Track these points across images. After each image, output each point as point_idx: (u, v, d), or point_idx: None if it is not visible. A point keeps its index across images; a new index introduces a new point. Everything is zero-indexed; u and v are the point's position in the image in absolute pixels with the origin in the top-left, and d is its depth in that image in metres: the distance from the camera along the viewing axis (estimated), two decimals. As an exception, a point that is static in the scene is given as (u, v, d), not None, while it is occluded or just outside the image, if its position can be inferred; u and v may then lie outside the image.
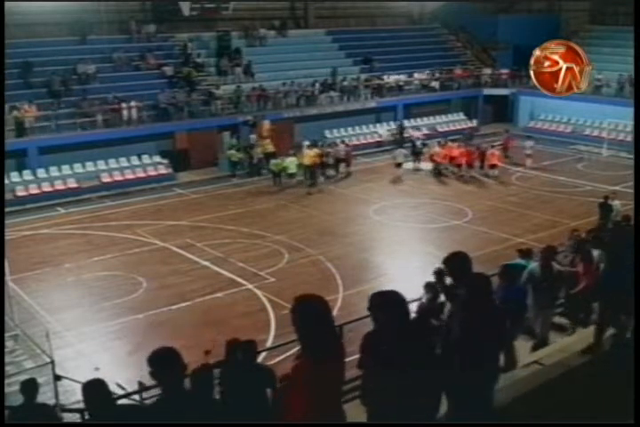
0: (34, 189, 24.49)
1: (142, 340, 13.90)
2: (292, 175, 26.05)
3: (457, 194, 24.86)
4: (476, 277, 5.22)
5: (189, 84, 29.57)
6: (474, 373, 5.01)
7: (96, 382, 5.01)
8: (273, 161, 26.44)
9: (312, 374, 3.91)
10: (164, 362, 3.83)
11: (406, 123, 33.52)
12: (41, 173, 25.10)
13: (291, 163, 25.95)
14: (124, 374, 11.41)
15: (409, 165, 28.47)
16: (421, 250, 19.16)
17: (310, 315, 3.95)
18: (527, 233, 19.89)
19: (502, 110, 37.35)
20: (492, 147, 27.83)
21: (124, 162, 26.77)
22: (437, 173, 27.20)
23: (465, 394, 5.12)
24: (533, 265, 9.88)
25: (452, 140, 29.04)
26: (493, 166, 26.83)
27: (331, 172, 27.25)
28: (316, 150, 26.81)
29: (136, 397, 8.31)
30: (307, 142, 28.39)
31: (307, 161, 26.12)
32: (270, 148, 28.05)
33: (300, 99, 31.55)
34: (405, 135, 31.92)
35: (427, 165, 27.96)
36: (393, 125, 33.44)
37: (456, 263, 5.35)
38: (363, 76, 34.11)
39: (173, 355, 3.88)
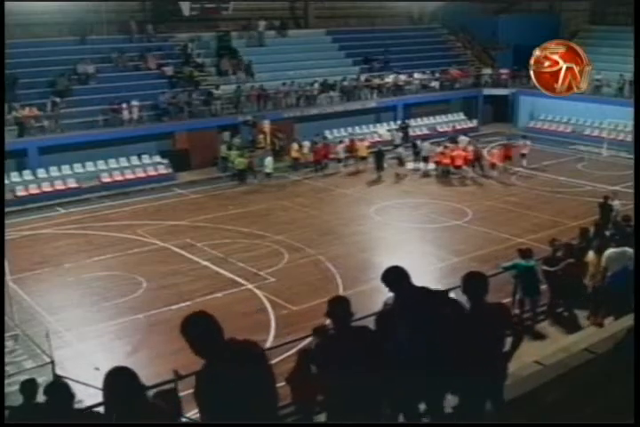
0: (34, 189, 24.50)
1: (142, 340, 13.91)
2: (268, 175, 26.52)
3: (457, 194, 24.86)
4: (412, 290, 5.40)
5: (192, 84, 29.59)
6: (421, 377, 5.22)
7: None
8: (239, 160, 26.65)
9: None
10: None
11: (410, 122, 33.60)
12: (41, 173, 25.10)
13: (268, 162, 26.41)
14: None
15: (409, 165, 28.51)
16: (421, 250, 19.15)
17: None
18: (527, 233, 19.87)
19: (502, 110, 37.32)
20: (494, 147, 27.89)
21: (124, 162, 26.77)
22: (443, 174, 27.20)
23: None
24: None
25: (452, 141, 29.06)
26: (493, 166, 26.86)
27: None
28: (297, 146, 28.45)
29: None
30: (307, 142, 28.59)
31: (293, 154, 28.07)
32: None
33: (300, 99, 31.57)
34: (409, 134, 32.11)
35: (426, 165, 27.96)
36: (393, 125, 33.48)
37: (392, 276, 5.42)
38: (363, 76, 34.13)
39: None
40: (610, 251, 10.99)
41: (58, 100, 26.03)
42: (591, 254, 11.70)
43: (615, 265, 10.75)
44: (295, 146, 28.35)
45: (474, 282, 5.50)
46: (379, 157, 27.22)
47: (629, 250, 10.77)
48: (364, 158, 28.35)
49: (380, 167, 27.16)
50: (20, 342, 13.52)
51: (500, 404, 5.62)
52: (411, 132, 32.67)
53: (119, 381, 3.99)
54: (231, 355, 3.96)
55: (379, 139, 32.34)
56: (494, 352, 5.74)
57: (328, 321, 5.25)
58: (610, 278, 10.80)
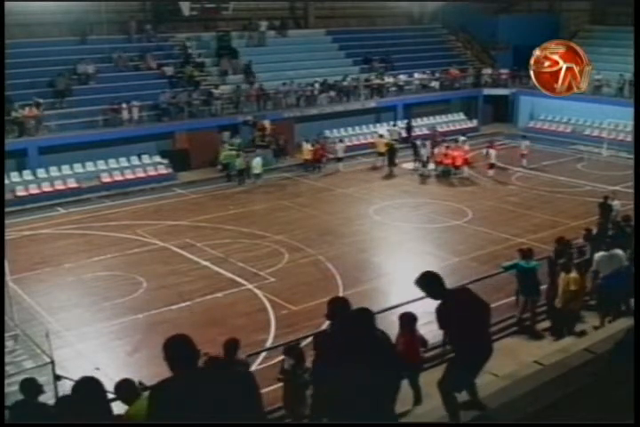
0: (34, 189, 24.48)
1: (142, 340, 13.91)
2: (257, 176, 26.48)
3: (457, 194, 24.86)
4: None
5: (193, 84, 29.58)
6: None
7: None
8: (238, 160, 26.67)
9: None
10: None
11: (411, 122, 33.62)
12: (41, 173, 25.09)
13: (256, 163, 26.38)
14: (124, 375, 11.38)
15: (409, 164, 28.54)
16: (421, 250, 19.15)
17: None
18: (527, 233, 19.88)
19: (502, 110, 37.33)
20: (491, 147, 27.87)
21: (124, 162, 26.76)
22: (443, 174, 27.19)
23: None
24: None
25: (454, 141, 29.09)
26: (491, 166, 26.87)
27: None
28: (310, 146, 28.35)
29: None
30: (310, 145, 28.64)
31: (305, 155, 28.07)
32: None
33: (300, 99, 31.57)
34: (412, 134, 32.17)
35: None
36: (392, 125, 33.48)
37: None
38: (363, 76, 34.13)
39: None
40: (599, 254, 10.99)
41: (41, 100, 25.80)
42: (563, 274, 11.25)
43: (606, 268, 10.73)
44: (307, 146, 28.28)
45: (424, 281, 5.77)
46: (391, 153, 27.86)
47: (620, 252, 10.75)
48: (381, 154, 28.78)
49: (392, 163, 27.82)
50: (19, 342, 13.52)
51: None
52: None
53: (85, 392, 3.95)
54: (206, 377, 3.92)
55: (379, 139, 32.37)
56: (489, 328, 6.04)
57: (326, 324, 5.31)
58: (602, 281, 10.80)
